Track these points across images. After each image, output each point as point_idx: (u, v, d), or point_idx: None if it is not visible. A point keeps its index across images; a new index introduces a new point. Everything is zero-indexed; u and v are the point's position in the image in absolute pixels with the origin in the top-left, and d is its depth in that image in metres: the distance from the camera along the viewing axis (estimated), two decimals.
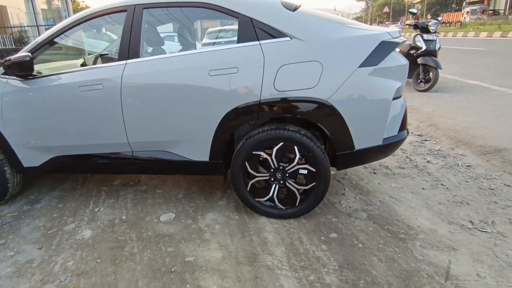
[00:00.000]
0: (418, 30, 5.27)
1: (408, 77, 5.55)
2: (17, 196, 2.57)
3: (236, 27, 1.99)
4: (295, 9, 1.97)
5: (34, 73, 2.10)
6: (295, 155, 1.95)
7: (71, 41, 2.53)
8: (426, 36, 5.09)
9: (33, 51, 2.10)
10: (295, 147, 1.93)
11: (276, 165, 2.01)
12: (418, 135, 3.59)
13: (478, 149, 3.02)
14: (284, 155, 2.00)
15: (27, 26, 12.89)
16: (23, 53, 2.04)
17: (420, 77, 5.26)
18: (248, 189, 2.08)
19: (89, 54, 2.98)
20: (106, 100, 2.02)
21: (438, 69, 4.95)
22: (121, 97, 1.99)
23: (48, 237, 2.04)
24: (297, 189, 2.03)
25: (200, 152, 2.05)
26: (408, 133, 2.10)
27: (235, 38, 1.95)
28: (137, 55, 2.00)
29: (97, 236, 2.02)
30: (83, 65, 2.71)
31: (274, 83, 1.84)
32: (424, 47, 5.04)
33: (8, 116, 2.13)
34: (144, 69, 1.97)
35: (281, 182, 2.04)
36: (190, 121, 1.98)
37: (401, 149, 3.23)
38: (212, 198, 2.42)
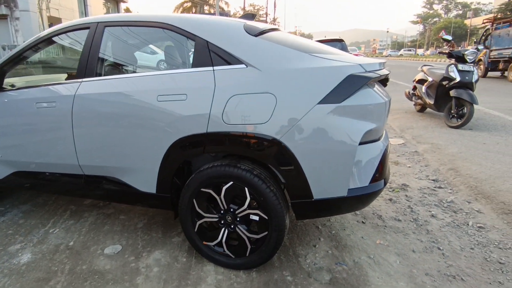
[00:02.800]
0: (453, 59, 4.80)
1: (439, 111, 5.06)
2: None
3: None
4: (259, 33, 1.80)
5: (7, 86, 2.16)
6: (246, 198, 1.74)
7: (52, 55, 2.58)
8: (461, 66, 4.60)
9: (2, 65, 2.16)
10: (246, 189, 1.72)
11: (226, 207, 1.81)
12: (433, 180, 3.15)
13: (499, 206, 2.54)
14: (236, 196, 1.79)
15: None
16: None
17: (452, 111, 4.74)
18: (195, 229, 1.89)
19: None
20: (58, 119, 1.99)
21: (474, 104, 4.42)
22: (72, 117, 1.95)
23: None
24: (247, 237, 1.80)
25: (148, 183, 1.93)
26: (385, 184, 1.79)
27: None
28: (92, 74, 1.97)
29: (32, 263, 1.94)
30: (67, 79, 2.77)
31: (223, 114, 1.67)
32: (458, 79, 4.55)
33: None
34: (95, 89, 1.92)
35: (231, 226, 1.82)
36: (136, 148, 1.87)
37: (406, 195, 2.83)
38: (170, 233, 2.26)
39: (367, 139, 1.67)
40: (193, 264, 1.92)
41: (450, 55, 4.83)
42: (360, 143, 1.64)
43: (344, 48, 10.54)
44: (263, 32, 1.84)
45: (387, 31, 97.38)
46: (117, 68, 2.08)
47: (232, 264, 1.86)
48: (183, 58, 1.91)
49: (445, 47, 5.15)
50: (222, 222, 1.84)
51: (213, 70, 1.74)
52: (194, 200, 1.84)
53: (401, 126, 5.21)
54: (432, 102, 5.03)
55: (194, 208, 1.86)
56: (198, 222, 1.88)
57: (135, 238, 2.21)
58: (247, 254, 1.82)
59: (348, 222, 2.40)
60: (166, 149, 1.80)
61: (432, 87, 5.10)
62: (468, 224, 2.32)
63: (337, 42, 10.69)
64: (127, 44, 2.10)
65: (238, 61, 1.71)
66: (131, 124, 1.86)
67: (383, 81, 2.15)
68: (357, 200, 1.71)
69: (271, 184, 1.70)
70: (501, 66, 11.19)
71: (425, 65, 5.64)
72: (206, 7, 34.98)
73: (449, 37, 4.93)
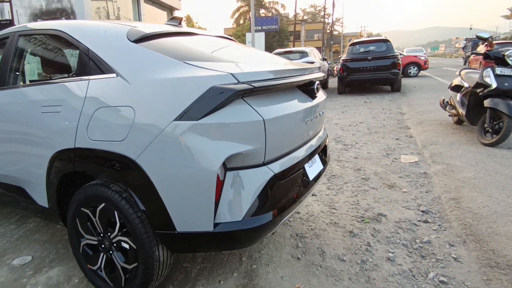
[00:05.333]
0: (492, 61, 3.99)
1: (472, 124, 4.27)
2: None
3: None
4: (140, 38, 1.64)
5: None
6: (116, 223, 1.60)
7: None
8: (499, 70, 3.78)
9: None
10: (115, 213, 1.58)
11: (102, 230, 1.69)
12: (423, 211, 2.60)
13: (487, 255, 1.96)
14: (111, 219, 1.65)
15: None
16: None
17: (486, 125, 3.93)
18: (80, 250, 1.80)
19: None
20: None
21: None
22: None
23: None
24: (121, 266, 1.65)
25: (41, 196, 1.91)
26: (272, 218, 1.47)
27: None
28: (3, 84, 2.02)
29: None
30: None
31: (88, 128, 1.57)
32: (494, 85, 3.75)
33: None
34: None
35: (110, 252, 1.69)
36: (27, 160, 1.90)
37: (374, 228, 2.37)
38: None
39: (240, 164, 1.41)
40: (81, 287, 1.83)
41: (486, 56, 4.02)
42: (231, 169, 1.39)
43: (389, 48, 9.71)
44: (147, 38, 1.67)
45: (470, 28, 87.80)
46: (20, 77, 2.10)
47: None
48: (71, 66, 1.86)
49: (482, 46, 4.31)
50: (102, 246, 1.71)
51: (89, 79, 1.64)
52: (76, 219, 1.76)
53: (425, 141, 4.51)
54: (464, 112, 4.26)
55: (78, 227, 1.77)
56: (82, 243, 1.79)
57: (52, 250, 2.21)
58: (123, 285, 1.67)
59: (280, 256, 2.08)
60: (47, 163, 1.76)
61: (467, 94, 4.32)
62: (427, 276, 1.83)
63: (382, 43, 9.90)
64: (30, 52, 2.11)
65: (110, 70, 1.59)
66: (22, 135, 1.88)
67: (310, 92, 1.83)
68: (227, 237, 1.44)
69: (140, 210, 1.53)
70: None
71: (464, 68, 4.81)
72: (262, 10, 35.48)
73: (486, 35, 4.11)
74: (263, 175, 1.45)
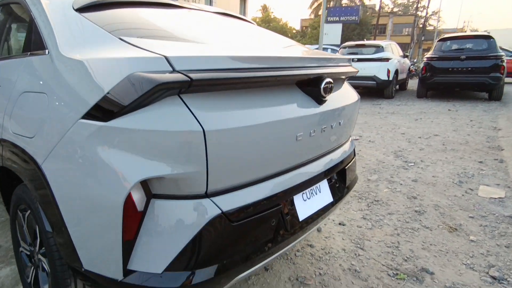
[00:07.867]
0: None
1: None
2: None
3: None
4: (86, 7, 1.30)
5: None
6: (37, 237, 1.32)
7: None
8: None
9: None
10: (37, 226, 1.29)
11: (31, 241, 1.42)
12: (493, 278, 1.83)
13: None
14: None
15: None
16: None
17: None
18: (19, 257, 1.58)
19: None
20: None
21: None
22: None
23: None
24: None
25: None
26: (213, 275, 1.01)
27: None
28: None
29: None
30: None
31: (10, 117, 1.31)
32: None
33: None
34: None
35: (40, 268, 1.42)
36: None
37: None
38: None
39: (172, 191, 0.98)
40: None
41: None
42: (157, 196, 0.97)
43: (491, 47, 8.15)
44: (96, 6, 1.33)
45: None
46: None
47: None
48: (20, 40, 1.61)
49: None
50: (33, 260, 1.46)
51: (27, 57, 1.37)
52: (15, 221, 1.54)
53: None
54: None
55: (16, 230, 1.55)
56: (20, 249, 1.56)
57: None
58: None
59: None
60: None
61: None
62: None
63: (482, 39, 8.36)
64: None
65: (44, 46, 1.27)
66: None
67: (316, 93, 1.30)
68: None
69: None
70: None
71: None
72: (345, 0, 33.57)
73: None
74: (202, 212, 0.98)
